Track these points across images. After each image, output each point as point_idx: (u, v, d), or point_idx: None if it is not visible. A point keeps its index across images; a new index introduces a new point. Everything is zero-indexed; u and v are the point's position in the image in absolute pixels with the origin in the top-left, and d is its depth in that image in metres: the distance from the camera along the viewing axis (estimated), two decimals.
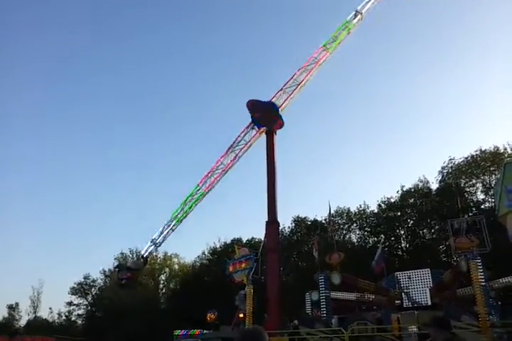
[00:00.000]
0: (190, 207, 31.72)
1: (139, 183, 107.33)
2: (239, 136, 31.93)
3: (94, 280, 69.12)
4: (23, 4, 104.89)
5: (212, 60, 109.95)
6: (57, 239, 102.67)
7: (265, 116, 30.97)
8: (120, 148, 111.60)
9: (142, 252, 34.45)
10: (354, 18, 32.47)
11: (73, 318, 71.17)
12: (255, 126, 31.72)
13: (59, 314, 73.26)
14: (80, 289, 68.50)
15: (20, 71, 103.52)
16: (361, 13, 32.58)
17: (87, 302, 68.73)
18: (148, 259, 36.87)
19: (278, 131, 31.01)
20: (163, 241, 32.55)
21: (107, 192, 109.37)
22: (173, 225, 31.98)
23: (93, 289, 69.20)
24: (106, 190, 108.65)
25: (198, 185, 31.77)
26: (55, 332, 56.54)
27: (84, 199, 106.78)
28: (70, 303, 68.71)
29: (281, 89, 31.25)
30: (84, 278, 68.49)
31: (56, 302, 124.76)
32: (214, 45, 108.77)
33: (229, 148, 31.97)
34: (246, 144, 31.70)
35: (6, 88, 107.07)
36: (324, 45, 31.71)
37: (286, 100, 31.13)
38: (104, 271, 68.75)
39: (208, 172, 31.82)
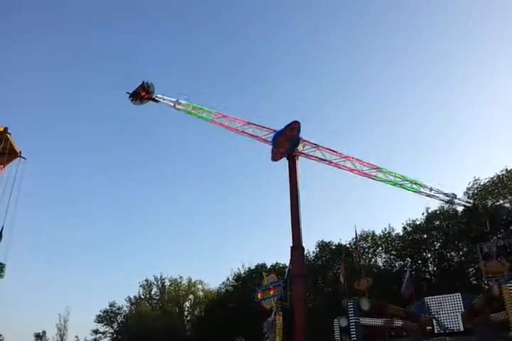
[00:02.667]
0: None
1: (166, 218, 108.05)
2: None
3: (119, 308, 69.46)
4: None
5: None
6: (84, 266, 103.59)
7: (286, 144, 33.22)
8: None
9: None
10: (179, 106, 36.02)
11: None
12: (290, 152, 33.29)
13: None
14: (106, 317, 68.72)
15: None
16: (177, 103, 35.96)
17: (112, 330, 68.73)
18: None
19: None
20: None
21: (135, 222, 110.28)
22: None
23: (119, 317, 69.33)
24: (134, 219, 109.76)
25: None
26: None
27: (111, 228, 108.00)
28: (96, 331, 69.00)
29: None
30: (110, 305, 68.99)
31: (82, 330, 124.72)
32: None
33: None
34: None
35: None
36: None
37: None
38: (130, 299, 69.01)
39: None
